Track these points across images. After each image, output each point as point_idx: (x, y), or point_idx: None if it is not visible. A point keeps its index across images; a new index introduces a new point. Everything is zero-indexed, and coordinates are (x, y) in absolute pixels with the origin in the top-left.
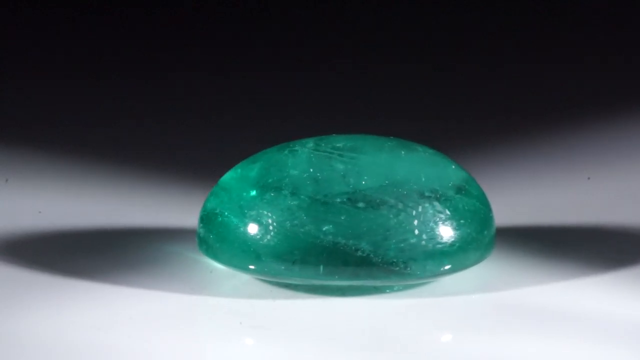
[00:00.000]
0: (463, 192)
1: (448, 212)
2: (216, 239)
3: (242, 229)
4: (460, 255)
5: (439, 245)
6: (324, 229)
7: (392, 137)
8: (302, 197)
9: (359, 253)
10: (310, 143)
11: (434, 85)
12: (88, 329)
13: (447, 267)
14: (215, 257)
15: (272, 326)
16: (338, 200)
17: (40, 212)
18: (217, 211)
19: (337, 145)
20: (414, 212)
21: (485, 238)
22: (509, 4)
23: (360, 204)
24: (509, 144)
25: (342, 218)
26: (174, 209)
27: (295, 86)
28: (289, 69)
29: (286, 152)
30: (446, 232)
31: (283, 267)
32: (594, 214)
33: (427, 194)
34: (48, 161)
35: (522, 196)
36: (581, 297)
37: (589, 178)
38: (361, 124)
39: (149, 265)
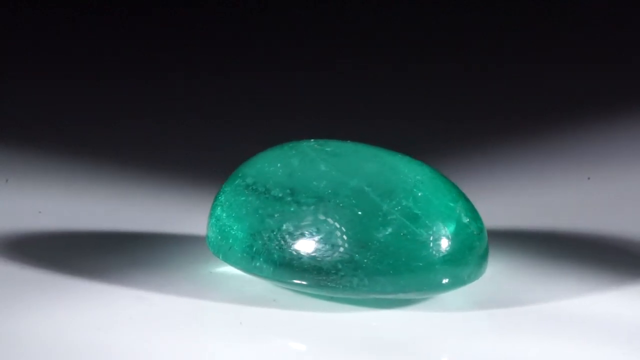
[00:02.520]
0: (417, 221)
1: (394, 236)
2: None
3: (215, 219)
4: (395, 279)
5: (380, 265)
6: (278, 227)
7: (392, 151)
8: (271, 192)
9: (297, 258)
10: (310, 143)
11: (433, 86)
12: (88, 329)
13: (386, 288)
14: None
15: (272, 326)
16: (285, 197)
17: (40, 212)
18: (215, 202)
19: (327, 149)
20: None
21: (433, 269)
22: (505, 3)
23: (304, 207)
24: (506, 145)
25: (294, 219)
26: (172, 209)
27: (295, 86)
28: (289, 69)
29: (281, 150)
30: (385, 253)
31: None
32: (592, 215)
33: (383, 212)
34: (48, 161)
35: (517, 197)
36: (581, 299)
37: (589, 178)
38: (360, 125)
39: (149, 266)
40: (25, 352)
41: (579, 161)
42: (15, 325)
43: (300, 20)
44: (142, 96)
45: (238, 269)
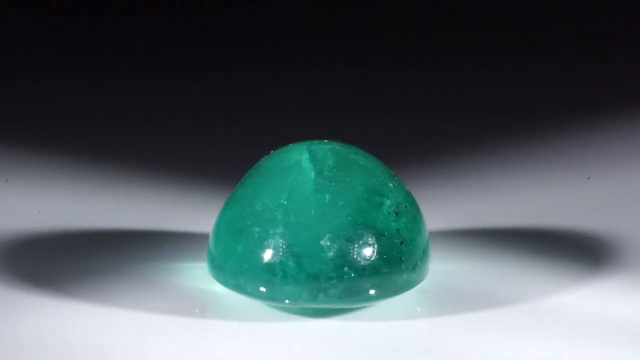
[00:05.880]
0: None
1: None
2: None
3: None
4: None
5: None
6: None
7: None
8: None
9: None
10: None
11: (434, 87)
12: (88, 330)
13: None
14: None
15: (271, 327)
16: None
17: (40, 212)
18: None
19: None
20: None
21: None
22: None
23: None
24: (504, 146)
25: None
26: (173, 209)
27: (299, 86)
28: (293, 70)
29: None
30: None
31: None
32: (590, 216)
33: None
34: (48, 161)
35: (513, 198)
36: (580, 299)
37: (588, 178)
38: (361, 125)
39: (148, 266)
40: (25, 352)
41: (578, 161)
42: (15, 325)
43: (306, 20)
44: (143, 96)
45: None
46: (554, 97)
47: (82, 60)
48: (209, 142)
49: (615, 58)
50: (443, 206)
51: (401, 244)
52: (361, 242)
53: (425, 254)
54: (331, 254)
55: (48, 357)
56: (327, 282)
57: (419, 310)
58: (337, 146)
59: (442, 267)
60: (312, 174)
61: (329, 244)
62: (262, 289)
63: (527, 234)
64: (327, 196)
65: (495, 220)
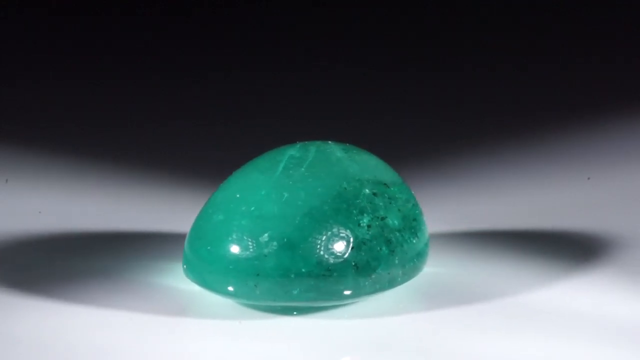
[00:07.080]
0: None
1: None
2: None
3: None
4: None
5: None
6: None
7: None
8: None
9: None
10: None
11: (434, 87)
12: (88, 329)
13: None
14: None
15: (271, 326)
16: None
17: (40, 212)
18: None
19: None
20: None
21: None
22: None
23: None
24: (503, 146)
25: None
26: (173, 209)
27: (296, 86)
28: (289, 70)
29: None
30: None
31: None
32: (589, 216)
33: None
34: (48, 161)
35: (512, 198)
36: (578, 298)
37: (588, 178)
38: (363, 126)
39: (148, 264)
40: (25, 352)
41: (578, 161)
42: (15, 325)
43: (306, 20)
44: (142, 96)
45: None
46: (554, 97)
47: (82, 60)
48: (209, 142)
49: (615, 58)
50: (443, 206)
51: (351, 249)
52: (307, 243)
53: (401, 264)
54: (266, 251)
55: (48, 357)
56: (266, 279)
57: (417, 309)
58: (336, 147)
59: (441, 267)
60: (278, 170)
61: (266, 240)
62: (227, 285)
63: (527, 234)
64: (285, 194)
65: (495, 221)
